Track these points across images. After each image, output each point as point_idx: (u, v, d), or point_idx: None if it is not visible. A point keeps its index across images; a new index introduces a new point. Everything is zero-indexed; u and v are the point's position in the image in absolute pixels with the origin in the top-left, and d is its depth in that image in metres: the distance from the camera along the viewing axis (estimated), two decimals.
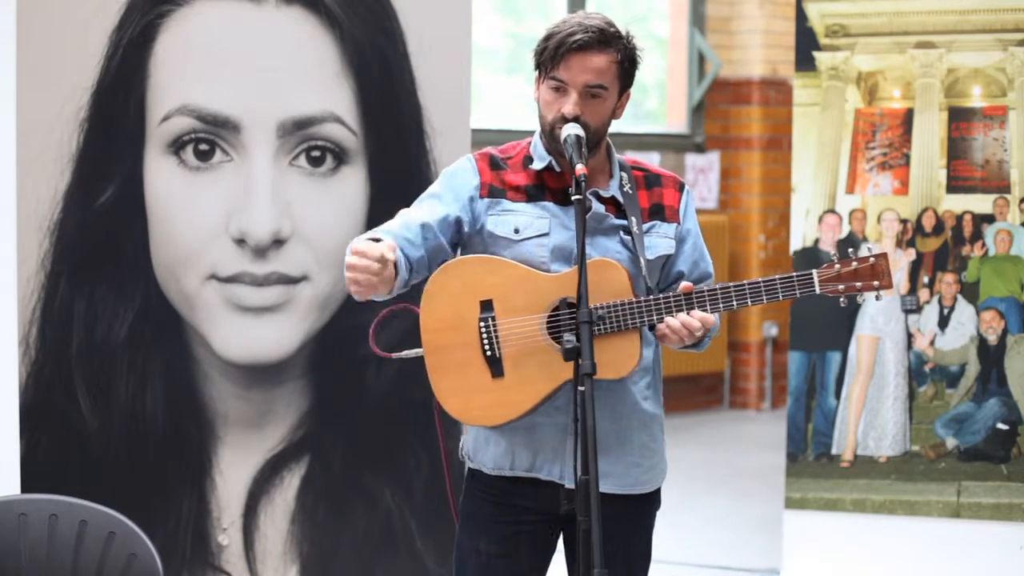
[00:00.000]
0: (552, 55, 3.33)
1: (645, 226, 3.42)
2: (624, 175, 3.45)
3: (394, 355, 3.53)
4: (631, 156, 3.61)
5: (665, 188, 3.48)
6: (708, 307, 3.29)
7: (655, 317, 3.29)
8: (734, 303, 3.30)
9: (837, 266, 3.32)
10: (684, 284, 3.31)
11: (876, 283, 3.32)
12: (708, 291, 3.30)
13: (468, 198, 3.40)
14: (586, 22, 3.35)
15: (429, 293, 3.38)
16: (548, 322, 3.32)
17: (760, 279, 3.30)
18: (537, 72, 3.39)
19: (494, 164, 3.45)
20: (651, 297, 3.30)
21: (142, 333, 4.31)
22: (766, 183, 10.30)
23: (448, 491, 3.63)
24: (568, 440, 3.34)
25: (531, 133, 3.50)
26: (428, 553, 4.83)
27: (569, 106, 3.32)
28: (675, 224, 3.46)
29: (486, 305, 3.35)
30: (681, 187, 3.50)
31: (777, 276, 3.31)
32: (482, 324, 3.35)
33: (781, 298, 3.31)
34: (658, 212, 3.45)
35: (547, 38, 3.36)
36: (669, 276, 3.45)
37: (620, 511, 3.42)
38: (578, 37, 3.31)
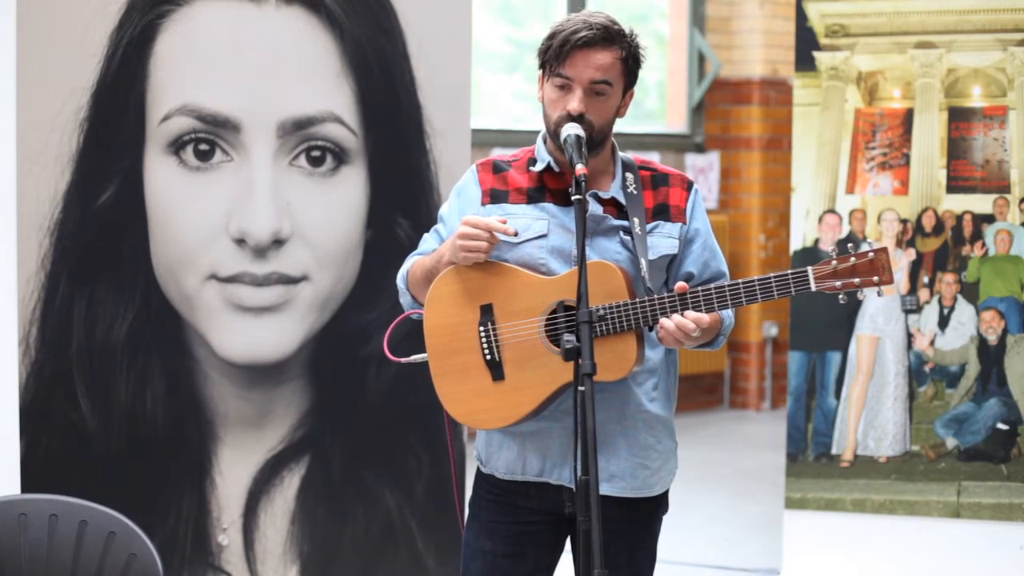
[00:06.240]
0: (557, 53, 3.32)
1: (648, 226, 3.40)
2: (630, 175, 3.43)
3: (404, 360, 3.54)
4: (639, 156, 3.60)
5: (672, 187, 3.46)
6: (703, 307, 3.27)
7: (651, 318, 3.27)
8: (729, 302, 3.27)
9: (834, 262, 3.25)
10: (679, 284, 3.28)
11: (876, 278, 3.24)
12: (703, 291, 3.27)
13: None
14: (590, 20, 3.35)
15: (431, 299, 3.39)
16: (546, 325, 3.33)
17: (756, 278, 3.26)
18: (541, 71, 3.39)
19: (496, 168, 3.46)
20: (647, 298, 3.28)
21: (142, 333, 4.31)
22: (766, 183, 10.29)
23: (455, 495, 3.63)
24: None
25: (533, 133, 3.50)
26: (428, 553, 4.83)
27: (574, 103, 3.31)
28: (680, 224, 3.44)
29: (486, 309, 3.36)
30: (689, 186, 3.48)
31: (772, 274, 3.26)
32: (482, 328, 3.35)
33: (777, 296, 3.25)
34: (663, 212, 3.43)
35: (551, 36, 3.36)
36: (678, 277, 3.41)
37: (626, 514, 3.42)
38: (583, 34, 3.31)
